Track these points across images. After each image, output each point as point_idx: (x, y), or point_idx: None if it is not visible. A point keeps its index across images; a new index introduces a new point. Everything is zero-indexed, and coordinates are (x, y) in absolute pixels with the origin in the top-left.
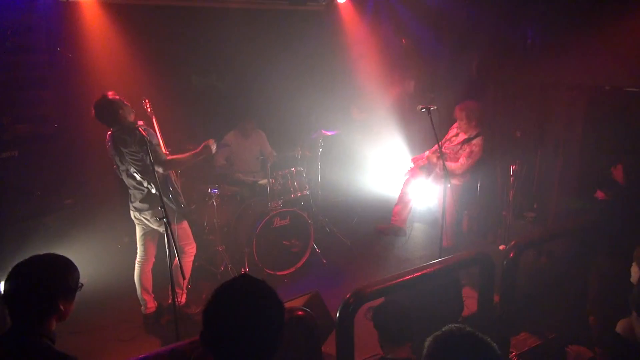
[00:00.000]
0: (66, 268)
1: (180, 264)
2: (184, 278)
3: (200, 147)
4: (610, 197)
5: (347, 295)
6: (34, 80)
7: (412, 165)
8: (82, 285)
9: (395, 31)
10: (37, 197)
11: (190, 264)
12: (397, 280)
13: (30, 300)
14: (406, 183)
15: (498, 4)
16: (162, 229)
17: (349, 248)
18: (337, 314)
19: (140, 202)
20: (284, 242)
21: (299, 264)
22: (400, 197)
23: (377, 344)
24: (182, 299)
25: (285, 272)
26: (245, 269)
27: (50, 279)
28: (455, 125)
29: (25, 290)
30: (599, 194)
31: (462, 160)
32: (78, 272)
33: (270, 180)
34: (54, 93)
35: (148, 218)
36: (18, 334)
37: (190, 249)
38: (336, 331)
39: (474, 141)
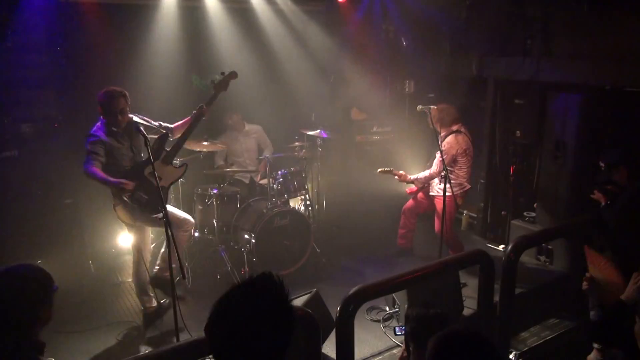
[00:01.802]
0: (40, 276)
1: (174, 241)
2: (177, 255)
3: (115, 183)
4: (609, 198)
5: (347, 295)
6: (34, 80)
7: (410, 187)
8: (57, 288)
9: (395, 31)
10: (37, 197)
11: (185, 237)
12: (397, 280)
13: (11, 317)
14: (406, 208)
15: (498, 4)
16: (148, 225)
17: (350, 248)
18: (337, 314)
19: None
20: (284, 242)
21: (299, 264)
22: (403, 222)
23: (377, 343)
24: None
25: (285, 272)
26: (245, 268)
27: (29, 291)
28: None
29: (4, 307)
30: (598, 196)
31: (437, 162)
32: (50, 276)
33: (270, 180)
34: (54, 93)
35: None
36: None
37: (186, 225)
38: (336, 331)
39: (445, 141)
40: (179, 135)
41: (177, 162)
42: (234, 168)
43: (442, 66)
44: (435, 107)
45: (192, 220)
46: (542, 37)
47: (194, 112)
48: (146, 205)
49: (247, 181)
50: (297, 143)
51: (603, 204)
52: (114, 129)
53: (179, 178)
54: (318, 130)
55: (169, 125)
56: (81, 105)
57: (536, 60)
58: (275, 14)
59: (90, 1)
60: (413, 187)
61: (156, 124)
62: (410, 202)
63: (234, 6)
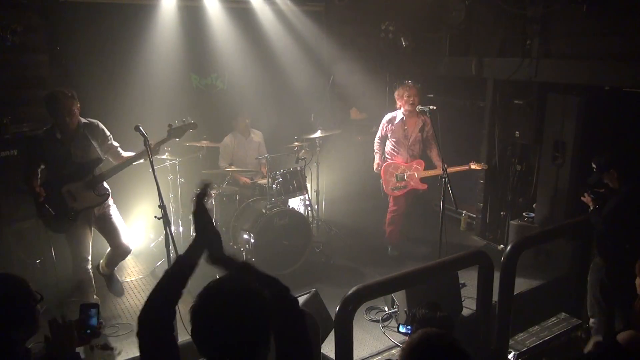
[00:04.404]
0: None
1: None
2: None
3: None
4: (597, 202)
5: (346, 295)
6: (34, 80)
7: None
8: (42, 297)
9: (395, 31)
10: None
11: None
12: (397, 280)
13: None
14: (397, 215)
15: (497, 4)
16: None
17: (349, 247)
18: (336, 314)
19: None
20: (284, 242)
21: (298, 264)
22: (390, 219)
23: (376, 344)
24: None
25: (284, 272)
26: None
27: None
28: (388, 128)
29: None
30: (587, 199)
31: (434, 147)
32: (29, 290)
33: (270, 180)
34: None
35: None
36: None
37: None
38: (335, 331)
39: (423, 118)
40: (115, 163)
41: (101, 190)
42: (233, 168)
43: (442, 66)
44: (412, 88)
45: (128, 248)
46: (542, 37)
47: (140, 152)
48: (50, 221)
49: (249, 180)
50: (296, 143)
51: (591, 208)
52: (59, 136)
53: (95, 206)
54: (318, 132)
55: (120, 152)
56: (81, 106)
57: (535, 60)
58: (274, 14)
59: (90, 1)
60: (397, 191)
61: (116, 143)
62: (392, 207)
63: (234, 6)
